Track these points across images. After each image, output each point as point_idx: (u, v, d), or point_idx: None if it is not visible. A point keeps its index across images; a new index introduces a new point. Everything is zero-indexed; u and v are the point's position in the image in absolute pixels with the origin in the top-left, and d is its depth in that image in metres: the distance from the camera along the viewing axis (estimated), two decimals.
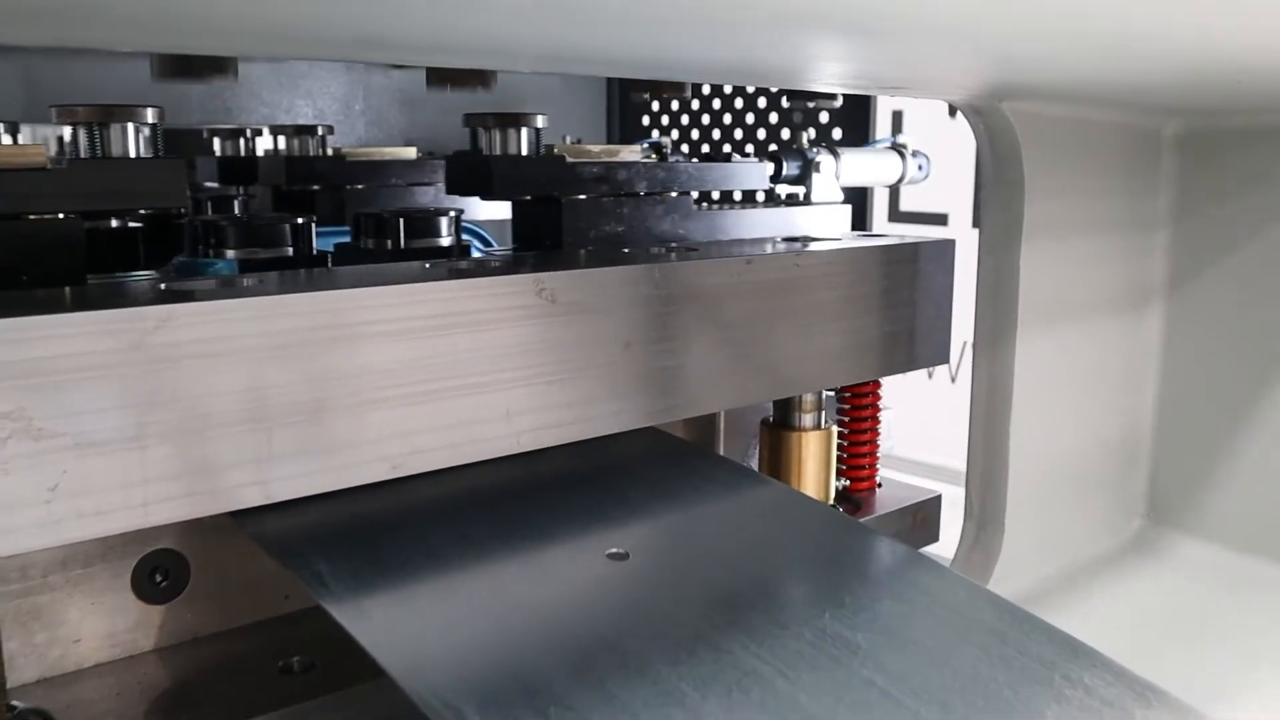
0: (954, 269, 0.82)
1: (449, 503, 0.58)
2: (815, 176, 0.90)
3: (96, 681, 0.53)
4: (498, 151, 0.77)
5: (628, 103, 1.81)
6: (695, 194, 0.87)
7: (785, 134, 1.60)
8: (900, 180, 1.02)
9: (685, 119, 1.74)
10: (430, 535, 0.55)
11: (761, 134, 1.64)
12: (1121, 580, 0.89)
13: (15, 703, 0.50)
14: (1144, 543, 0.93)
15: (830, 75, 0.63)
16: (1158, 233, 0.89)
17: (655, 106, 1.80)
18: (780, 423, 0.80)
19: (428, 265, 0.60)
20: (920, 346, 0.80)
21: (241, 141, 1.13)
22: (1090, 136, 0.81)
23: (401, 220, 0.71)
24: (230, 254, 0.67)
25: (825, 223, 0.92)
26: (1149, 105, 0.80)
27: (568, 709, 0.42)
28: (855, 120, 1.51)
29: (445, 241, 0.72)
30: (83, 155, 0.63)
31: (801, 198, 0.93)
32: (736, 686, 0.44)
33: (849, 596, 0.53)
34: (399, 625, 0.47)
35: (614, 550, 0.55)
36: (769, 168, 0.89)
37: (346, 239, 0.80)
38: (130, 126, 0.64)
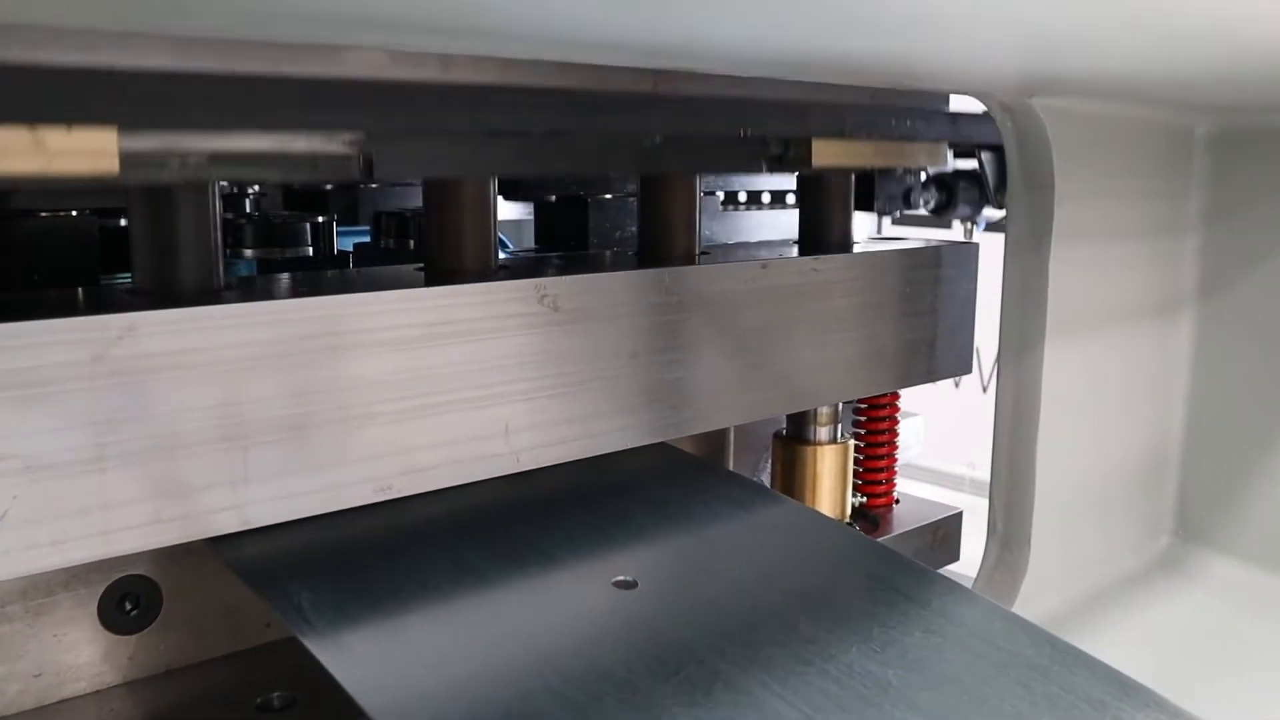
0: (977, 274, 0.78)
1: (443, 524, 0.54)
2: None
3: None
4: None
5: None
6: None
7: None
8: None
9: None
10: (422, 561, 0.51)
11: None
12: (1150, 601, 0.84)
13: None
14: (1172, 561, 0.89)
15: (851, 69, 0.59)
16: (1188, 237, 0.85)
17: None
18: (794, 436, 0.76)
19: (418, 268, 0.56)
20: (941, 356, 0.76)
21: None
22: (1121, 136, 0.77)
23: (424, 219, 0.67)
24: (249, 253, 0.63)
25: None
26: (1183, 102, 0.76)
27: None
28: None
29: None
30: None
31: None
32: None
33: (876, 627, 0.49)
34: (385, 663, 0.43)
35: (621, 578, 0.51)
36: None
37: (360, 238, 0.77)
38: None
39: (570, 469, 0.56)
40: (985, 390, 2.03)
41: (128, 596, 0.52)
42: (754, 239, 0.87)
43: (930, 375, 0.75)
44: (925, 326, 0.74)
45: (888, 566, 0.56)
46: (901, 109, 0.69)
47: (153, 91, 0.39)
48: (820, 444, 0.75)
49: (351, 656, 0.43)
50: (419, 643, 0.45)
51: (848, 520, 0.76)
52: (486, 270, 0.55)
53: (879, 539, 0.77)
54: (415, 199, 1.00)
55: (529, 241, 0.92)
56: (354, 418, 0.47)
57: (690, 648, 0.45)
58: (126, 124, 0.39)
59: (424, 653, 0.44)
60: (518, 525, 0.55)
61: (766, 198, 1.46)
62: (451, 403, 0.50)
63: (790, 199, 1.23)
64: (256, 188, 1.02)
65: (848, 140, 0.65)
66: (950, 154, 0.77)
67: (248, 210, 0.96)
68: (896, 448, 0.81)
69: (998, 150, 0.84)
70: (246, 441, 0.44)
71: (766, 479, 0.82)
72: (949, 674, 0.46)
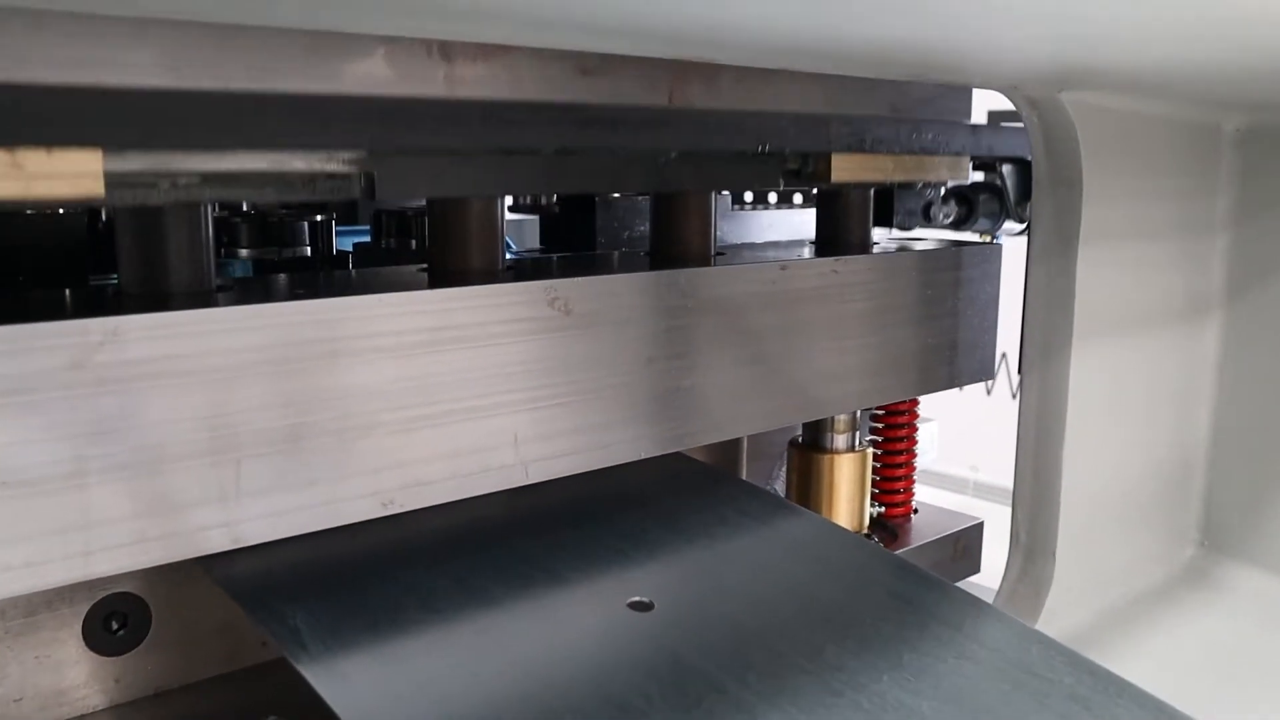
0: (1000, 276, 0.75)
1: (447, 539, 0.51)
2: None
3: None
4: None
5: None
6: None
7: None
8: None
9: None
10: (423, 580, 0.48)
11: None
12: (1177, 615, 0.82)
13: None
14: (1198, 573, 0.86)
15: (872, 60, 0.56)
16: (1216, 237, 0.82)
17: None
18: (810, 444, 0.73)
19: (421, 269, 0.53)
20: (963, 361, 0.73)
21: None
22: (1149, 132, 0.74)
23: (426, 219, 0.65)
24: (244, 253, 0.61)
25: None
26: (1212, 97, 0.74)
27: None
28: None
29: None
30: None
31: None
32: None
33: (907, 652, 0.46)
34: (383, 692, 0.40)
35: (635, 599, 0.48)
36: None
37: (359, 238, 0.74)
38: None
39: (578, 480, 0.53)
40: (989, 393, 2.01)
41: (114, 615, 0.49)
42: (764, 239, 0.84)
43: (952, 381, 0.73)
44: (947, 330, 0.71)
45: (914, 584, 0.53)
46: (922, 121, 0.66)
47: (142, 110, 0.36)
48: (838, 452, 0.72)
49: (348, 684, 0.40)
50: (419, 669, 0.42)
51: (865, 531, 0.74)
52: (493, 271, 0.52)
53: (898, 551, 0.74)
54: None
55: (531, 242, 0.89)
56: (353, 428, 0.44)
57: (712, 676, 0.42)
58: (113, 145, 0.36)
59: (425, 680, 0.41)
60: (524, 541, 0.52)
61: (773, 198, 1.43)
62: (456, 412, 0.47)
63: (798, 198, 1.20)
64: None
65: (867, 154, 0.62)
66: (970, 167, 0.74)
67: (244, 208, 0.94)
68: (915, 456, 0.78)
69: (1018, 163, 0.81)
70: (238, 454, 0.41)
71: (780, 487, 0.79)
72: (986, 705, 0.43)
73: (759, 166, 0.58)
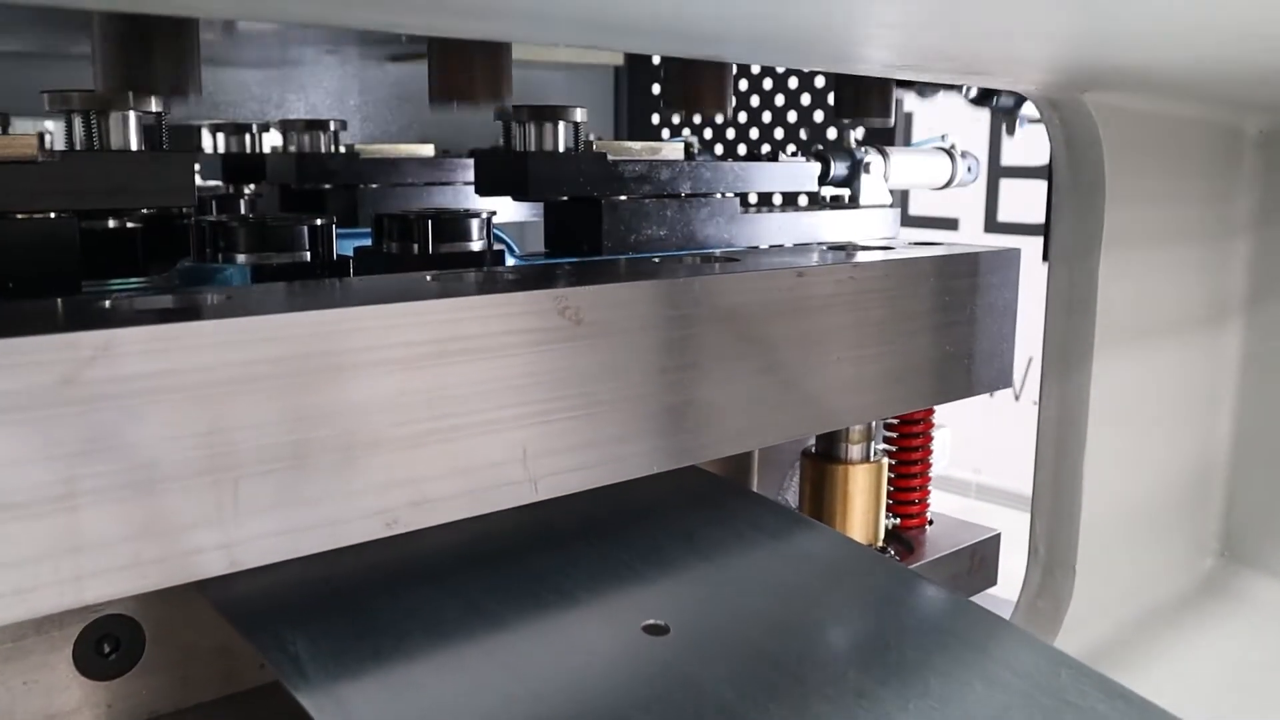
0: (1019, 282, 0.73)
1: (451, 558, 0.50)
2: (864, 178, 0.82)
3: None
4: (532, 148, 0.69)
5: (637, 98, 1.73)
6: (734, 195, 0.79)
7: (803, 134, 1.51)
8: (949, 183, 0.93)
9: (697, 116, 1.65)
10: (428, 602, 0.46)
11: (779, 133, 1.56)
12: (1197, 628, 0.80)
13: None
14: (1218, 584, 0.84)
15: (888, 55, 0.55)
16: (1237, 241, 0.81)
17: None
18: (824, 454, 0.71)
19: (429, 278, 0.51)
20: (981, 369, 0.71)
21: (247, 137, 1.05)
22: (1171, 134, 0.73)
23: (430, 222, 0.63)
24: (241, 259, 0.59)
25: (874, 227, 0.83)
26: (1235, 98, 0.72)
27: None
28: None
29: (476, 246, 0.64)
30: (78, 148, 0.56)
31: (847, 200, 0.84)
32: None
33: (934, 679, 0.44)
34: None
35: (651, 621, 0.46)
36: (816, 168, 0.81)
37: (359, 240, 0.72)
38: (132, 115, 0.56)
39: (588, 493, 0.51)
40: (991, 395, 1.99)
41: (106, 638, 0.47)
42: (771, 243, 0.82)
43: (969, 389, 0.71)
44: (965, 337, 0.69)
45: (936, 604, 0.51)
46: None
47: None
48: (852, 462, 0.70)
49: (350, 714, 0.38)
50: (425, 698, 0.40)
51: (881, 544, 0.72)
52: (501, 280, 0.50)
53: (914, 565, 0.72)
54: (416, 192, 0.96)
55: (531, 244, 0.88)
56: (356, 445, 0.42)
57: (733, 708, 0.40)
58: None
59: (429, 709, 0.40)
60: (534, 558, 0.51)
61: (778, 199, 1.41)
62: (464, 426, 0.45)
63: (803, 199, 1.18)
64: (252, 187, 0.98)
65: None
66: None
67: (242, 211, 0.92)
68: (931, 465, 0.76)
69: None
70: (236, 473, 0.39)
71: (791, 497, 0.77)
72: None
73: None
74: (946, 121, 1.51)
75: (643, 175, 0.72)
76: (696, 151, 0.79)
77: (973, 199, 2.13)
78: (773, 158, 0.77)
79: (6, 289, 0.50)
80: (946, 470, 1.54)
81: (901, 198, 1.62)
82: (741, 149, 1.58)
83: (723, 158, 0.76)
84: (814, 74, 1.48)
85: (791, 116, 1.54)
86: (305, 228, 0.63)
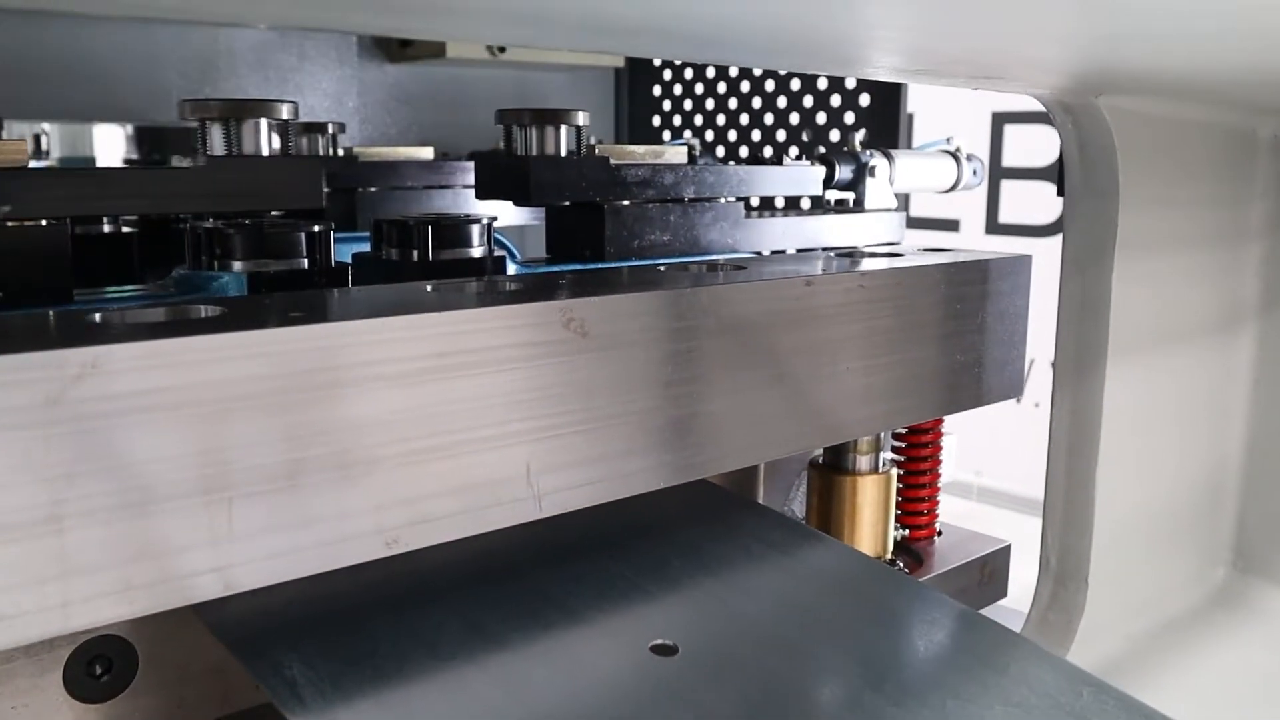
0: (1030, 289, 0.72)
1: (455, 576, 0.48)
2: (869, 181, 0.80)
3: None
4: (534, 152, 0.68)
5: (638, 100, 1.71)
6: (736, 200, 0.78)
7: (805, 136, 1.50)
8: (954, 186, 0.92)
9: (699, 119, 1.64)
10: (429, 622, 0.45)
11: (781, 135, 1.54)
12: (1210, 640, 0.78)
13: None
14: (1231, 596, 0.83)
15: (899, 60, 0.53)
16: (1250, 246, 0.79)
17: (667, 106, 1.70)
18: (832, 465, 0.70)
19: (429, 288, 0.50)
20: (991, 378, 0.70)
21: None
22: (1185, 138, 0.71)
23: (430, 228, 0.61)
24: (237, 265, 0.58)
25: (879, 231, 0.82)
26: (1251, 102, 0.70)
27: None
28: (885, 121, 1.41)
29: (477, 253, 0.63)
30: (216, 153, 0.58)
31: (852, 203, 0.83)
32: None
33: (951, 700, 0.43)
34: None
35: (659, 641, 0.45)
36: (821, 172, 0.79)
37: (358, 245, 0.71)
38: (264, 122, 0.58)
39: (592, 507, 0.50)
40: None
41: (98, 660, 0.46)
42: (775, 248, 0.81)
43: (979, 399, 0.69)
44: (976, 346, 0.68)
45: (950, 621, 0.50)
46: None
47: None
48: (861, 474, 0.69)
49: None
50: None
51: (890, 556, 0.70)
52: (503, 291, 0.49)
53: (925, 577, 0.71)
54: (415, 195, 0.95)
55: (531, 250, 0.86)
56: (354, 462, 0.41)
57: None
58: None
59: None
60: (538, 575, 0.49)
61: (780, 202, 1.40)
62: (465, 442, 0.44)
63: (806, 203, 1.17)
64: None
65: None
66: None
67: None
68: (940, 476, 0.75)
69: None
70: (230, 493, 0.38)
71: (797, 509, 0.76)
72: None
73: None
74: (948, 123, 1.50)
75: (646, 180, 0.71)
76: (698, 155, 0.77)
77: (974, 200, 2.12)
78: (777, 161, 0.75)
79: None
80: (949, 473, 1.52)
81: (903, 199, 1.60)
82: (743, 151, 1.57)
83: (725, 161, 0.74)
84: (816, 76, 1.47)
85: (794, 119, 1.53)
86: (303, 234, 0.61)
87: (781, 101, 1.54)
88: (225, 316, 0.40)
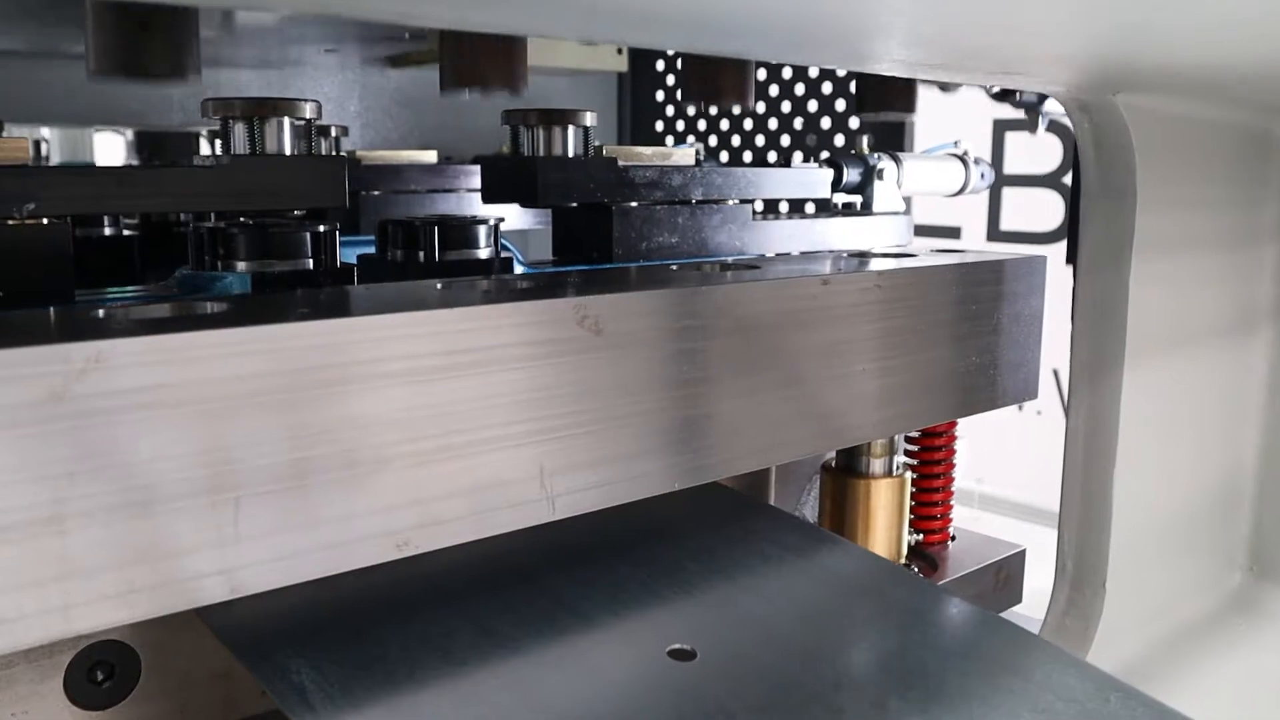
0: (1045, 290, 0.71)
1: (467, 580, 0.47)
2: (877, 184, 0.79)
3: None
4: (541, 152, 0.67)
5: (641, 103, 1.70)
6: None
7: (811, 140, 1.49)
8: (962, 189, 0.91)
9: (702, 123, 1.63)
10: (440, 626, 0.44)
11: (786, 140, 1.53)
12: (1226, 646, 0.77)
13: None
14: (1247, 601, 0.82)
15: (916, 54, 0.52)
16: (1266, 249, 0.78)
17: (670, 111, 1.69)
18: (845, 468, 0.69)
19: (440, 285, 0.49)
20: (1006, 380, 0.69)
21: None
22: (1202, 138, 0.70)
23: (436, 229, 0.61)
24: (241, 266, 0.57)
25: (887, 234, 0.81)
26: (1268, 102, 0.70)
27: None
28: (890, 128, 1.40)
29: (484, 254, 0.62)
30: (239, 151, 0.58)
31: (859, 206, 0.82)
32: None
33: (978, 707, 0.42)
34: None
35: (676, 646, 0.44)
36: (829, 174, 0.78)
37: (361, 249, 0.70)
38: (287, 122, 0.58)
39: (605, 510, 0.49)
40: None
41: (99, 665, 0.44)
42: (783, 250, 0.80)
43: (994, 401, 0.68)
44: (991, 347, 0.67)
45: (973, 625, 0.49)
46: None
47: None
48: (874, 477, 0.68)
49: None
50: None
51: (904, 561, 0.69)
52: (515, 288, 0.47)
53: (939, 582, 0.70)
54: (419, 199, 0.94)
55: (535, 252, 0.85)
56: (364, 462, 0.40)
57: None
58: None
59: None
60: (551, 579, 0.48)
61: (785, 207, 1.39)
62: (477, 442, 0.43)
63: (810, 208, 1.16)
64: None
65: None
66: None
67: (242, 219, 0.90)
68: (953, 479, 0.74)
69: None
70: (236, 493, 0.37)
71: (809, 513, 0.75)
72: None
73: None
74: (949, 130, 1.49)
75: (654, 181, 0.70)
76: (703, 157, 0.77)
77: (975, 207, 2.11)
78: (784, 163, 0.74)
79: None
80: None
81: (904, 204, 1.59)
82: (747, 157, 1.56)
83: (730, 164, 0.73)
84: (821, 79, 1.46)
85: (798, 123, 1.52)
86: (308, 234, 0.60)
87: (786, 106, 1.53)
88: (231, 312, 0.39)
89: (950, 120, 1.86)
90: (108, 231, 0.71)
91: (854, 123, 1.45)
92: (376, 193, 0.92)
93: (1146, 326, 0.67)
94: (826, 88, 1.47)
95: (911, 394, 0.62)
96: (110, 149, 1.23)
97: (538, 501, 0.45)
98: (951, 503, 0.74)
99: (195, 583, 0.36)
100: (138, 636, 0.45)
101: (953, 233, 2.18)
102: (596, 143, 0.81)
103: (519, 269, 0.67)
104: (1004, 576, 0.73)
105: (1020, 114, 0.63)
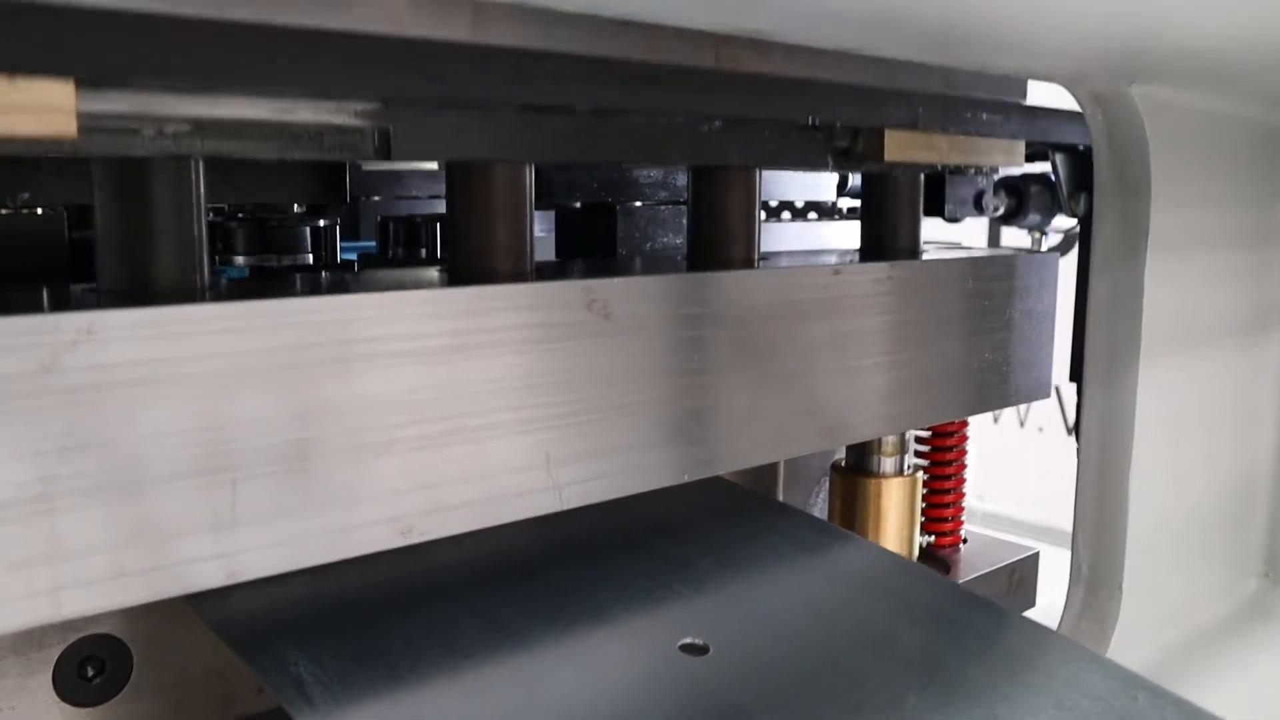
0: (1057, 287, 0.70)
1: (472, 571, 0.46)
2: None
3: None
4: None
5: None
6: None
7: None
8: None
9: None
10: (445, 618, 0.42)
11: None
12: (1242, 651, 0.76)
13: None
14: (1263, 606, 0.80)
15: (929, 40, 0.51)
16: (1279, 245, 0.77)
17: None
18: (855, 467, 0.67)
19: (438, 272, 0.47)
20: (1018, 378, 0.68)
21: None
22: (1217, 134, 0.69)
23: (438, 225, 0.59)
24: (241, 260, 0.56)
25: None
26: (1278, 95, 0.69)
27: None
28: None
29: None
30: None
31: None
32: None
33: (1000, 704, 0.40)
34: None
35: (688, 640, 0.42)
36: (834, 177, 0.77)
37: (362, 254, 0.69)
38: None
39: (612, 502, 0.47)
40: (996, 420, 1.95)
41: (90, 660, 0.43)
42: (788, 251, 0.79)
43: (1006, 400, 0.67)
44: (1003, 343, 0.65)
45: (993, 622, 0.48)
46: (977, 100, 0.61)
47: (124, 37, 0.31)
48: (885, 476, 0.66)
49: None
50: None
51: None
52: (523, 272, 0.46)
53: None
54: (420, 206, 0.92)
55: (544, 254, 0.84)
56: (366, 445, 0.38)
57: None
58: (89, 78, 0.31)
59: None
60: (558, 572, 0.47)
61: (786, 215, 1.38)
62: (483, 427, 0.41)
63: (813, 215, 1.14)
64: None
65: (921, 132, 0.57)
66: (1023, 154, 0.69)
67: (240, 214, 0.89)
68: (965, 480, 0.72)
69: (1072, 151, 0.76)
70: (234, 474, 0.35)
71: (818, 513, 0.73)
72: None
73: (807, 142, 0.53)
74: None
75: (658, 181, 0.69)
76: None
77: (975, 219, 2.10)
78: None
79: None
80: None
81: None
82: None
83: None
84: None
85: None
86: (308, 229, 0.59)
87: None
88: (231, 286, 0.38)
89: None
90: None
91: None
92: (377, 198, 0.91)
93: (1162, 325, 0.66)
94: None
95: (923, 389, 0.60)
96: None
97: (544, 491, 0.43)
98: (963, 504, 0.73)
99: (190, 567, 0.35)
100: (129, 629, 0.44)
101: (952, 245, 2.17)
102: None
103: None
104: (1017, 579, 0.71)
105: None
